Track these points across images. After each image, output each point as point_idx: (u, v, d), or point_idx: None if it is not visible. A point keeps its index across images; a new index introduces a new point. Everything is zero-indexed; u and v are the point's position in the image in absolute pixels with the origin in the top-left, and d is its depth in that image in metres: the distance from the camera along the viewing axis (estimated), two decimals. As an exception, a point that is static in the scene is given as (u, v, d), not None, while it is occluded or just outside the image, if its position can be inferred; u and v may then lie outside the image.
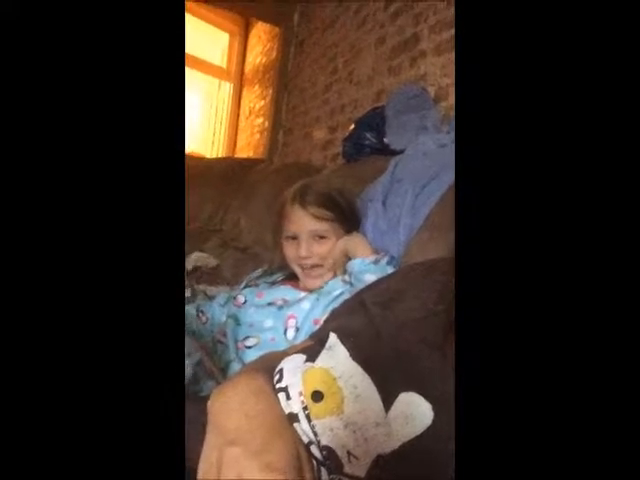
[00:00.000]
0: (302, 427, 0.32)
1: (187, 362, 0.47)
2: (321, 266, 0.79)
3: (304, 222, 0.78)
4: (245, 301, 0.80)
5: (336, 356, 0.35)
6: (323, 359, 0.35)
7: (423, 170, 0.81)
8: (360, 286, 0.67)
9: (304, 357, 0.37)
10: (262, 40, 3.24)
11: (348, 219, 0.82)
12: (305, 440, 0.31)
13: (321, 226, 0.78)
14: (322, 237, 0.78)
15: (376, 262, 0.71)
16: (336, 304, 0.70)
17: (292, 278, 0.86)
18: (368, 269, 0.70)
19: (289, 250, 0.81)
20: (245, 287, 0.87)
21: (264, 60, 3.15)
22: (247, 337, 0.72)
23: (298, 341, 0.68)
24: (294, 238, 0.80)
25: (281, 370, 0.36)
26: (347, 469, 0.30)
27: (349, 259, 0.75)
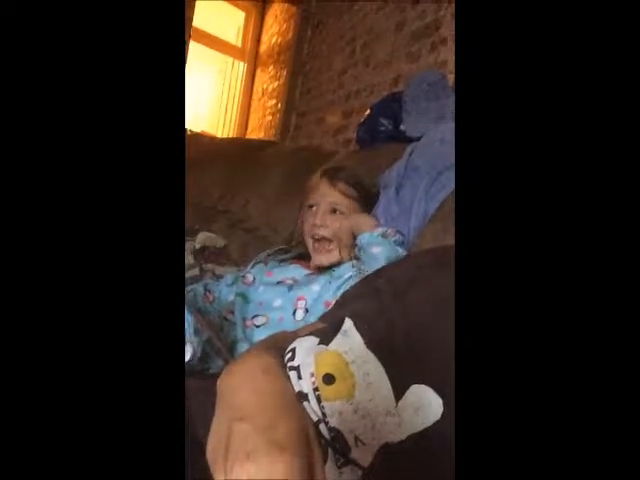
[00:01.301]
0: (311, 406, 0.32)
1: (196, 339, 0.47)
2: (330, 241, 0.80)
3: (327, 193, 0.82)
4: (254, 280, 0.81)
5: (350, 341, 0.35)
6: (337, 343, 0.35)
7: (440, 158, 0.79)
8: (369, 261, 0.68)
9: (317, 339, 0.36)
10: (278, 20, 3.18)
11: (368, 206, 0.84)
12: (314, 418, 0.31)
13: (341, 201, 0.81)
14: (339, 212, 0.81)
15: (384, 236, 0.72)
16: (347, 287, 0.70)
17: (301, 258, 0.87)
18: (376, 241, 0.71)
19: (306, 220, 0.84)
20: (254, 266, 0.87)
21: (280, 40, 3.10)
22: (256, 315, 0.72)
23: (307, 322, 0.68)
24: (313, 206, 0.83)
25: (294, 349, 0.36)
26: (354, 454, 0.30)
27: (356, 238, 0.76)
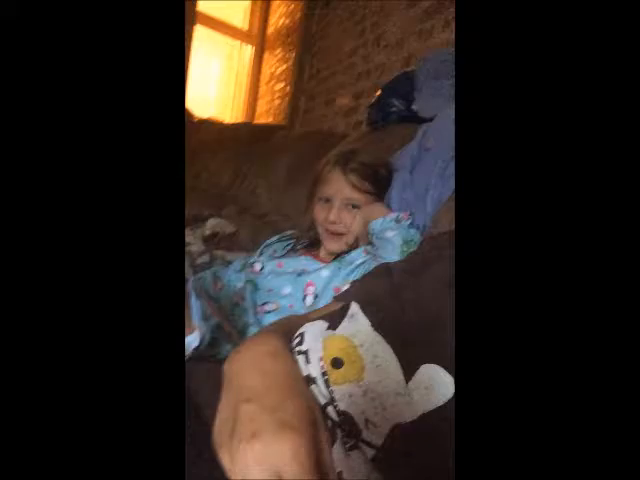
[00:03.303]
0: (320, 389, 0.32)
1: (205, 325, 0.47)
2: (344, 234, 0.79)
3: (341, 188, 0.78)
4: (262, 268, 0.80)
5: (357, 325, 0.35)
6: (344, 327, 0.35)
7: (453, 139, 0.77)
8: (385, 245, 0.67)
9: (326, 324, 0.36)
10: (286, 0, 3.11)
11: (382, 192, 0.81)
12: (322, 401, 0.31)
13: (357, 196, 0.78)
14: (353, 207, 0.78)
15: (398, 220, 0.70)
16: (357, 274, 0.69)
17: (311, 248, 0.85)
18: (389, 226, 0.69)
19: (319, 212, 0.81)
20: (261, 254, 0.86)
21: (287, 22, 3.04)
22: (266, 302, 0.72)
23: (316, 308, 0.67)
24: (327, 201, 0.80)
25: (302, 334, 0.35)
26: (365, 435, 0.29)
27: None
